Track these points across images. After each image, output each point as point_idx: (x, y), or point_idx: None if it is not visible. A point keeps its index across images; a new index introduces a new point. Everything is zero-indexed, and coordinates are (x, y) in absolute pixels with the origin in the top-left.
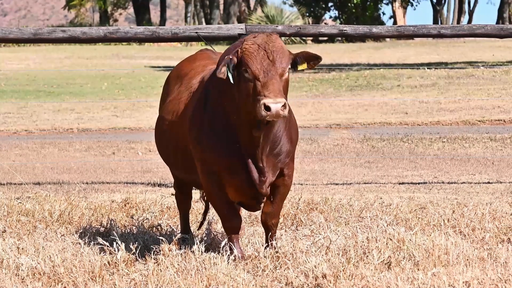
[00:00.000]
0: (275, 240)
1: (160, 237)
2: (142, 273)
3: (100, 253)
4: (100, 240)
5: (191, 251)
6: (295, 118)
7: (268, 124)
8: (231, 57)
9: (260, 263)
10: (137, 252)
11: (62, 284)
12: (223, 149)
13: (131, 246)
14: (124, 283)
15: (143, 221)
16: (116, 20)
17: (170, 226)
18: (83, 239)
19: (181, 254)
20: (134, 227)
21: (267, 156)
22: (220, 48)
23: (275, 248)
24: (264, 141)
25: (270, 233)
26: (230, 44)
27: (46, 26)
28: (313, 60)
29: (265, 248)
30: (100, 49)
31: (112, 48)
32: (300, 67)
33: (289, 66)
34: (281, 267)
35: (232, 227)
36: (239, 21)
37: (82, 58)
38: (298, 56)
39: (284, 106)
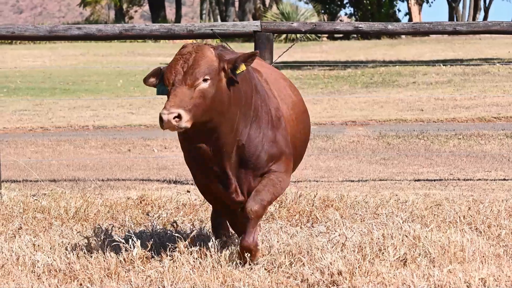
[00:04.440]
0: (254, 234)
1: (176, 234)
2: (158, 270)
3: (115, 250)
4: (115, 237)
5: (206, 248)
6: (300, 116)
7: (200, 134)
8: (161, 68)
9: (275, 259)
10: (153, 249)
11: (78, 281)
12: (193, 160)
13: (146, 243)
14: (140, 280)
15: (158, 218)
16: (131, 18)
17: (185, 223)
18: (99, 236)
19: (196, 251)
20: (149, 224)
21: (239, 163)
22: (235, 46)
23: (245, 242)
24: (215, 150)
25: (248, 223)
26: (245, 41)
27: (62, 23)
28: (250, 59)
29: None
30: (116, 46)
31: (127, 45)
32: (239, 71)
33: (207, 77)
34: (296, 264)
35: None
36: (254, 18)
37: (98, 55)
38: (236, 61)
39: (178, 117)
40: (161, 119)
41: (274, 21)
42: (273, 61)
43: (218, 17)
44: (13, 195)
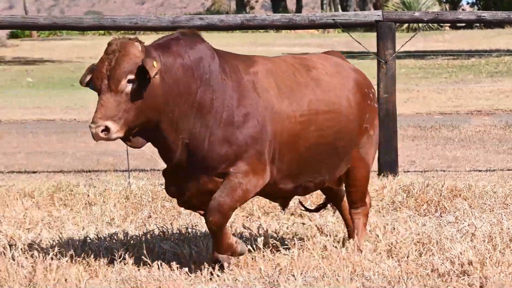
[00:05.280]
0: (222, 243)
1: (303, 223)
2: (287, 258)
3: (244, 238)
4: (245, 224)
5: (333, 239)
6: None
7: (143, 133)
8: (94, 65)
9: (405, 248)
10: (280, 237)
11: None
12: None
13: (271, 232)
14: (270, 268)
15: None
16: (252, 8)
17: (313, 213)
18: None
19: (327, 240)
20: (282, 213)
21: (187, 161)
22: (357, 36)
23: (214, 254)
24: (163, 147)
25: (212, 234)
26: (366, 31)
27: (184, 14)
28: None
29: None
30: (237, 36)
31: (249, 35)
32: (152, 70)
33: (131, 77)
34: (426, 254)
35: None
36: (375, 8)
37: (219, 46)
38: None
39: (106, 130)
40: (90, 131)
41: (395, 11)
42: (396, 50)
43: (339, 6)
44: (141, 184)
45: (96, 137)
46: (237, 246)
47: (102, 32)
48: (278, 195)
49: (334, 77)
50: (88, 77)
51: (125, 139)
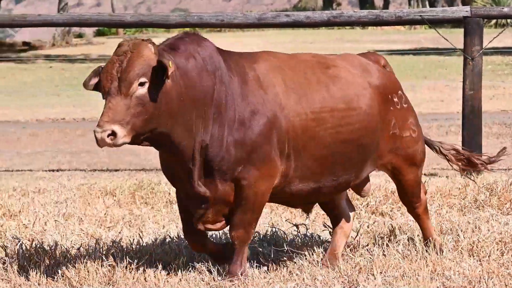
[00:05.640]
0: (239, 261)
1: (384, 222)
2: (367, 257)
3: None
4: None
5: (411, 238)
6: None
7: (152, 140)
8: (101, 67)
9: (487, 247)
10: (360, 237)
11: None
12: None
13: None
14: (349, 267)
15: (367, 206)
16: (339, 4)
17: (394, 211)
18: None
19: (407, 238)
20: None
21: (204, 164)
22: (443, 32)
23: (232, 275)
24: (175, 153)
25: (234, 250)
26: (454, 27)
27: (270, 11)
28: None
29: (221, 267)
30: (323, 33)
31: (335, 32)
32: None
33: (144, 79)
34: (508, 253)
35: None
36: (464, 4)
37: (306, 43)
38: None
39: (112, 134)
40: (95, 136)
41: (484, 6)
42: (483, 47)
43: (427, 2)
44: None
45: (101, 142)
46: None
47: (188, 30)
48: (300, 197)
49: (355, 77)
50: (94, 80)
51: (131, 144)
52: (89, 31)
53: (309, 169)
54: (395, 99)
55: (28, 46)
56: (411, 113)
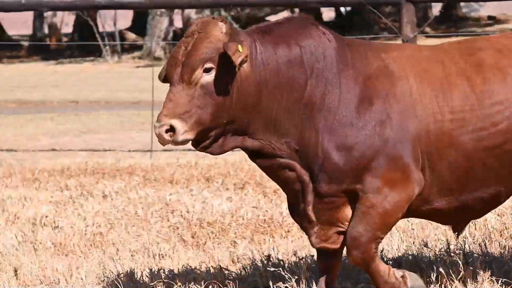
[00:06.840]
0: (379, 273)
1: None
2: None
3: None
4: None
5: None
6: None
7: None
8: None
9: None
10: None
11: None
12: None
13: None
14: None
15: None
16: None
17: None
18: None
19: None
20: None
21: (309, 171)
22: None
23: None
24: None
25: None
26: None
27: None
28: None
29: None
30: None
31: None
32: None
33: (210, 65)
34: None
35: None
36: None
37: None
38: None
39: (171, 130)
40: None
41: None
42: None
43: None
44: None
45: (161, 139)
46: (400, 283)
47: None
48: (442, 217)
49: (507, 58)
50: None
51: (197, 143)
52: None
53: (448, 183)
54: None
55: (493, 20)
56: None
